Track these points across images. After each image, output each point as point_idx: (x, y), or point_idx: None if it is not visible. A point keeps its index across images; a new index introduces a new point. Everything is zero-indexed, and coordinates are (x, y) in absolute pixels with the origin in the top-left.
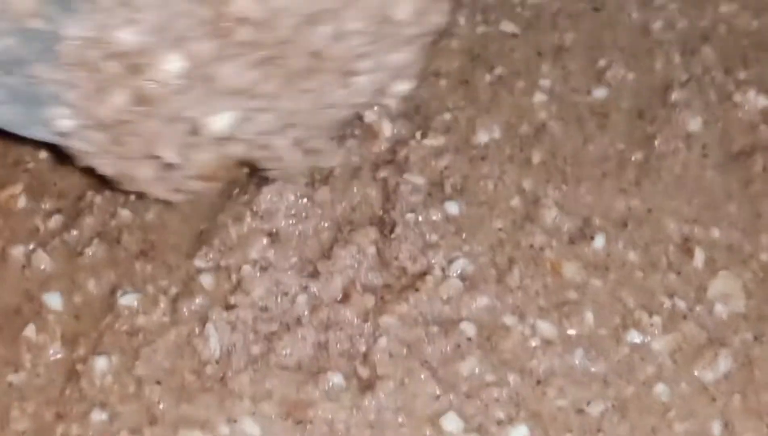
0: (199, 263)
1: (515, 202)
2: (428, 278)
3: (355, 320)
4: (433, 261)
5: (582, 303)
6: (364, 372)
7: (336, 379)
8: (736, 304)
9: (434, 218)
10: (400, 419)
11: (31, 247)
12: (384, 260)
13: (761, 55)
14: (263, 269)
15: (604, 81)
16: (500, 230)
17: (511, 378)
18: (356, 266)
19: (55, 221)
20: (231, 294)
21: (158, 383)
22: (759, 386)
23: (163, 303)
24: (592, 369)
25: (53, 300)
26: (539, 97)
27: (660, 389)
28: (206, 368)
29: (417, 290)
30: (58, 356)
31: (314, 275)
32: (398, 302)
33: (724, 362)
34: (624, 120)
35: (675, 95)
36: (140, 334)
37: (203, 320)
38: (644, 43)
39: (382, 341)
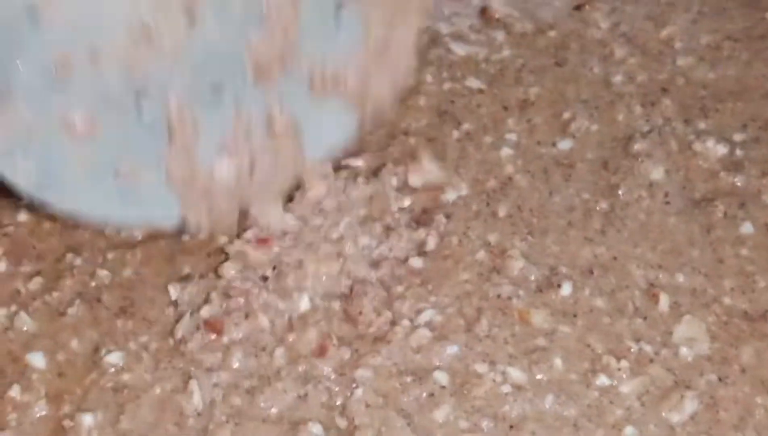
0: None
1: (481, 254)
2: (397, 328)
3: (332, 374)
4: (401, 312)
5: (551, 349)
6: (342, 423)
7: (316, 429)
8: (701, 347)
9: (398, 272)
10: None
11: (13, 309)
12: (350, 315)
13: (719, 106)
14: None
15: (569, 133)
16: (466, 281)
17: (485, 424)
18: (328, 319)
19: (36, 283)
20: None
21: None
22: (723, 426)
23: (146, 359)
24: (563, 413)
25: (37, 360)
26: (506, 152)
27: (629, 431)
28: (188, 421)
29: (388, 341)
30: (43, 413)
31: (289, 328)
32: (371, 354)
33: (690, 404)
34: (588, 170)
35: (637, 146)
36: (125, 390)
37: (186, 376)
38: (606, 95)
39: (359, 393)
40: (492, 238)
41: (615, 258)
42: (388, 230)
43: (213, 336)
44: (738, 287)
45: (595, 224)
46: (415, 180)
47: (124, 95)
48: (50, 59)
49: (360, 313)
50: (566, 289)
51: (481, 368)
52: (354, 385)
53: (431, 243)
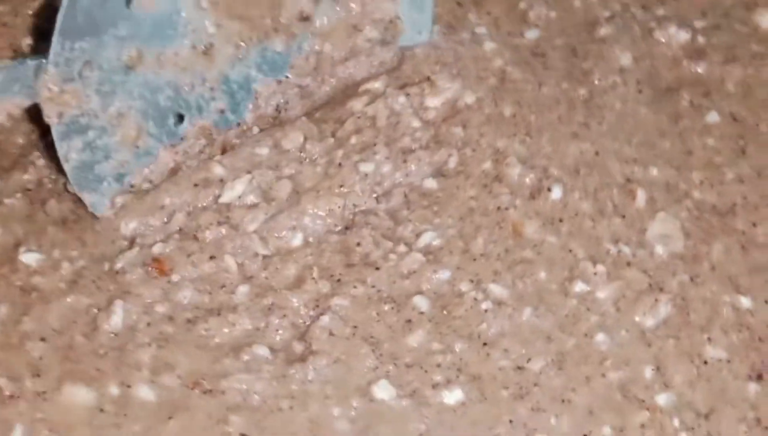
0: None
1: (487, 165)
2: (391, 255)
3: (302, 307)
4: (401, 237)
5: (536, 262)
6: (297, 348)
7: (261, 351)
8: (675, 245)
9: (411, 196)
10: (327, 391)
11: None
12: (346, 246)
13: None
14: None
15: (531, 22)
16: (472, 197)
17: (458, 345)
18: (318, 254)
19: None
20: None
21: (43, 339)
22: (693, 328)
23: (65, 270)
24: (540, 326)
25: None
26: (489, 46)
27: (600, 338)
28: (101, 337)
29: (377, 268)
30: None
31: (264, 267)
32: (354, 283)
33: (664, 308)
34: (560, 58)
35: (602, 31)
36: (33, 293)
37: (111, 298)
38: None
39: (324, 320)
40: (500, 143)
41: (597, 153)
42: (406, 153)
43: (157, 274)
44: (707, 180)
45: (578, 115)
46: (432, 100)
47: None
48: (129, 46)
49: (358, 244)
50: (556, 192)
51: (465, 287)
52: (322, 314)
53: (452, 161)
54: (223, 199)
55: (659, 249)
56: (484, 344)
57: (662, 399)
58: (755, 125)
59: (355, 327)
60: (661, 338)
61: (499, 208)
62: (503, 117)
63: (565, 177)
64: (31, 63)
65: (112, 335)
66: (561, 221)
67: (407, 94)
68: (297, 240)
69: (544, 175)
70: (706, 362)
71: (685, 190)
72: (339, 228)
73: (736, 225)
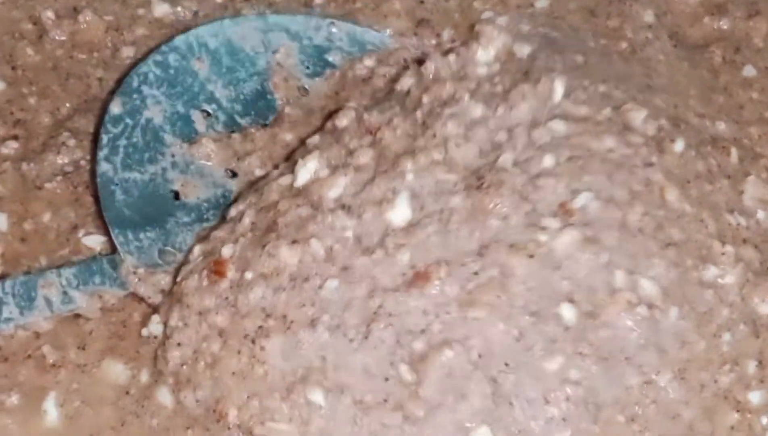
0: None
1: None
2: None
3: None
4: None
5: (681, 242)
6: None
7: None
8: None
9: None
10: None
11: None
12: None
13: None
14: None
15: None
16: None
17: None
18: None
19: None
20: None
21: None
22: None
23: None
24: (682, 329)
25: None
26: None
27: (726, 338)
28: (152, 325)
29: (530, 256)
30: None
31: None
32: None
33: None
34: (582, 20)
35: None
36: None
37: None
38: None
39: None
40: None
41: (676, 107)
42: (497, 97)
43: (216, 278)
44: (765, 135)
45: (636, 67)
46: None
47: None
48: (195, 228)
49: (494, 206)
50: (679, 145)
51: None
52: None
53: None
54: (299, 183)
55: (761, 215)
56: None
57: (755, 397)
58: None
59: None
60: (766, 327)
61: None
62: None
63: (673, 129)
64: (104, 258)
65: (161, 325)
66: (689, 182)
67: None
68: (401, 208)
69: (659, 125)
70: None
71: (752, 146)
72: (460, 187)
73: None
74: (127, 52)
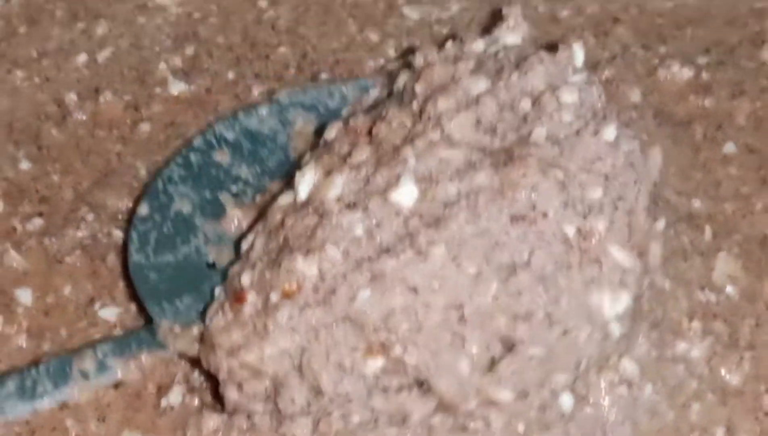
0: None
1: None
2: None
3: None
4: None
5: (658, 321)
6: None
7: None
8: (740, 283)
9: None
10: None
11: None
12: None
13: (677, 33)
14: None
15: None
16: None
17: None
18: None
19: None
20: None
21: (116, 387)
22: (758, 380)
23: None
24: (655, 403)
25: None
26: None
27: (695, 408)
28: (172, 395)
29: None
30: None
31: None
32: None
33: (747, 364)
34: None
35: (607, 72)
36: None
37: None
38: (555, 30)
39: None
40: None
41: (654, 184)
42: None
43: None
44: (739, 211)
45: None
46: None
47: None
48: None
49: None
50: (660, 224)
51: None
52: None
53: None
54: (301, 196)
55: (729, 290)
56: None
57: None
58: None
59: None
60: (733, 394)
61: None
62: None
63: (654, 208)
64: (141, 330)
65: (180, 395)
66: (667, 260)
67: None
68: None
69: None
70: (767, 414)
71: (725, 222)
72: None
73: None
74: (144, 128)
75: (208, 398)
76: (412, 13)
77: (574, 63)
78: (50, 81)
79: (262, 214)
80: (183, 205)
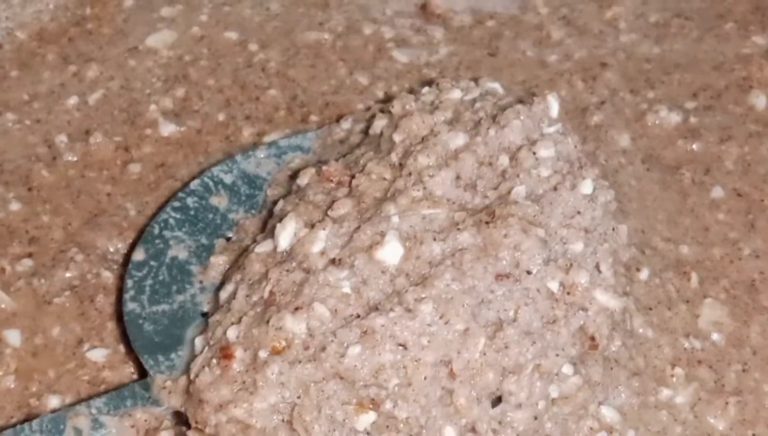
0: None
1: None
2: None
3: None
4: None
5: (641, 370)
6: None
7: None
8: (726, 330)
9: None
10: None
11: None
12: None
13: (664, 78)
14: None
15: None
16: None
17: None
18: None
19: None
20: None
21: None
22: (744, 425)
23: (133, 367)
24: None
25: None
26: None
27: None
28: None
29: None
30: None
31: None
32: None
33: (733, 409)
34: None
35: (595, 117)
36: (102, 386)
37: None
38: (543, 74)
39: None
40: None
41: (644, 232)
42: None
43: (226, 363)
44: (727, 256)
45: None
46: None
47: None
48: None
49: (501, 244)
50: (644, 273)
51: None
52: None
53: None
54: (282, 247)
55: (715, 337)
56: None
57: None
58: (760, 200)
59: None
60: None
61: None
62: None
63: (640, 256)
64: (136, 384)
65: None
66: (651, 309)
67: None
68: (392, 246)
69: (631, 253)
70: None
71: (713, 268)
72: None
73: (764, 302)
74: (134, 169)
75: None
76: (401, 57)
77: (550, 114)
78: (41, 123)
79: (237, 263)
80: (179, 252)
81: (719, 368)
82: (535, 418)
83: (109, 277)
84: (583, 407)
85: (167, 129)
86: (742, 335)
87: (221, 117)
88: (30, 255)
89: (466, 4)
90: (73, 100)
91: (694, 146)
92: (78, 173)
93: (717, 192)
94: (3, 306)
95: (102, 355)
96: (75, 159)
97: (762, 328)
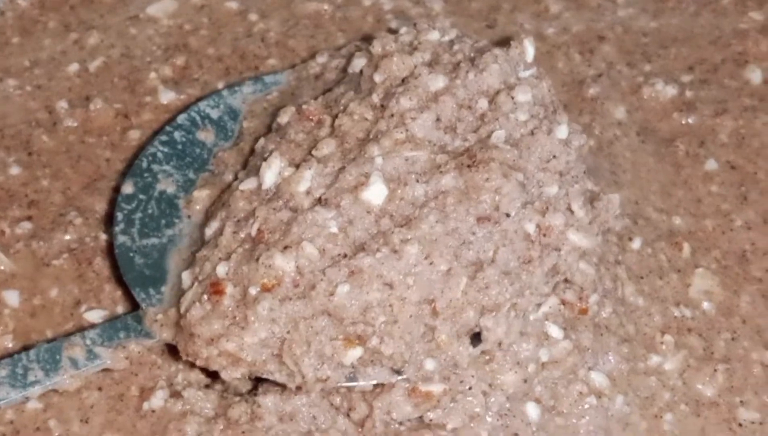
0: None
1: None
2: None
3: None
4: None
5: (630, 336)
6: None
7: None
8: (716, 299)
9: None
10: None
11: None
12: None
13: (661, 51)
14: None
15: None
16: None
17: None
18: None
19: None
20: None
21: (99, 389)
22: (732, 393)
23: None
24: (626, 414)
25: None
26: None
27: (668, 418)
28: (155, 398)
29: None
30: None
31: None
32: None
33: (721, 376)
34: None
35: (591, 90)
36: None
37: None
38: (541, 47)
39: None
40: None
41: (637, 203)
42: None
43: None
44: (719, 227)
45: (605, 163)
46: None
47: None
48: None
49: (482, 187)
50: (636, 243)
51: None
52: None
53: None
54: (266, 185)
55: (706, 306)
56: None
57: None
58: (753, 173)
59: None
60: (707, 406)
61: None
62: None
63: (632, 226)
64: (128, 315)
65: (162, 400)
66: (642, 278)
67: None
68: (376, 187)
69: (624, 223)
70: (741, 425)
71: (705, 239)
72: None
73: (754, 272)
74: (134, 135)
75: (190, 403)
76: (399, 27)
77: (525, 58)
78: (42, 89)
79: (221, 199)
80: (167, 185)
81: (709, 336)
82: (525, 381)
83: (106, 240)
84: (573, 372)
85: (167, 96)
86: (732, 304)
87: (220, 85)
88: (29, 218)
89: None
90: (73, 67)
91: (689, 119)
92: (78, 139)
93: (711, 164)
94: (2, 268)
95: (99, 316)
96: (75, 125)
97: (752, 297)
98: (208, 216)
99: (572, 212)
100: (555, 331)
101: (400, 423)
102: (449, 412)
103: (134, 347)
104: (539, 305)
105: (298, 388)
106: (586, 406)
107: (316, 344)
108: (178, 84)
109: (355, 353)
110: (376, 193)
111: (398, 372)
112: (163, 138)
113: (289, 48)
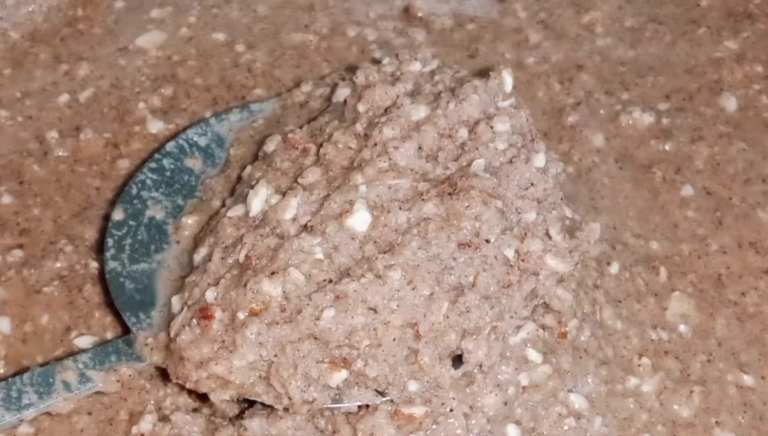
0: None
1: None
2: None
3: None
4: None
5: (609, 360)
6: None
7: None
8: (692, 322)
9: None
10: None
11: None
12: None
13: (638, 80)
14: None
15: None
16: None
17: None
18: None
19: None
20: None
21: (89, 413)
22: (707, 413)
23: None
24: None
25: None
26: None
27: None
28: (143, 422)
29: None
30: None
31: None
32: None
33: (697, 398)
34: None
35: (570, 118)
36: None
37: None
38: (521, 76)
39: None
40: None
41: (615, 228)
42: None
43: (207, 323)
44: (695, 252)
45: (583, 190)
46: None
47: None
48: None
49: (463, 215)
50: (614, 267)
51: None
52: None
53: None
54: (253, 212)
55: (682, 328)
56: None
57: None
58: (728, 198)
59: None
60: (684, 426)
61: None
62: None
63: (610, 251)
64: (119, 339)
65: (151, 424)
66: (620, 302)
67: None
68: (360, 214)
69: (602, 248)
70: None
71: (681, 263)
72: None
73: (729, 296)
74: (123, 164)
75: (179, 426)
76: (383, 57)
77: (504, 89)
78: (33, 119)
79: (209, 226)
80: (156, 212)
81: (685, 359)
82: (505, 403)
83: (96, 267)
84: (553, 395)
85: (155, 126)
86: (707, 326)
87: (208, 115)
88: (20, 246)
89: (448, 7)
90: (64, 98)
91: (666, 146)
92: (68, 168)
93: (687, 190)
94: None
95: (89, 342)
96: (65, 154)
97: (727, 320)
98: (196, 242)
99: (550, 238)
100: (534, 355)
101: None
102: (431, 434)
103: (125, 371)
104: (519, 329)
105: (286, 409)
106: (566, 427)
107: (303, 366)
108: (166, 114)
109: (341, 375)
110: (360, 220)
111: (382, 394)
112: (152, 165)
113: (275, 78)
